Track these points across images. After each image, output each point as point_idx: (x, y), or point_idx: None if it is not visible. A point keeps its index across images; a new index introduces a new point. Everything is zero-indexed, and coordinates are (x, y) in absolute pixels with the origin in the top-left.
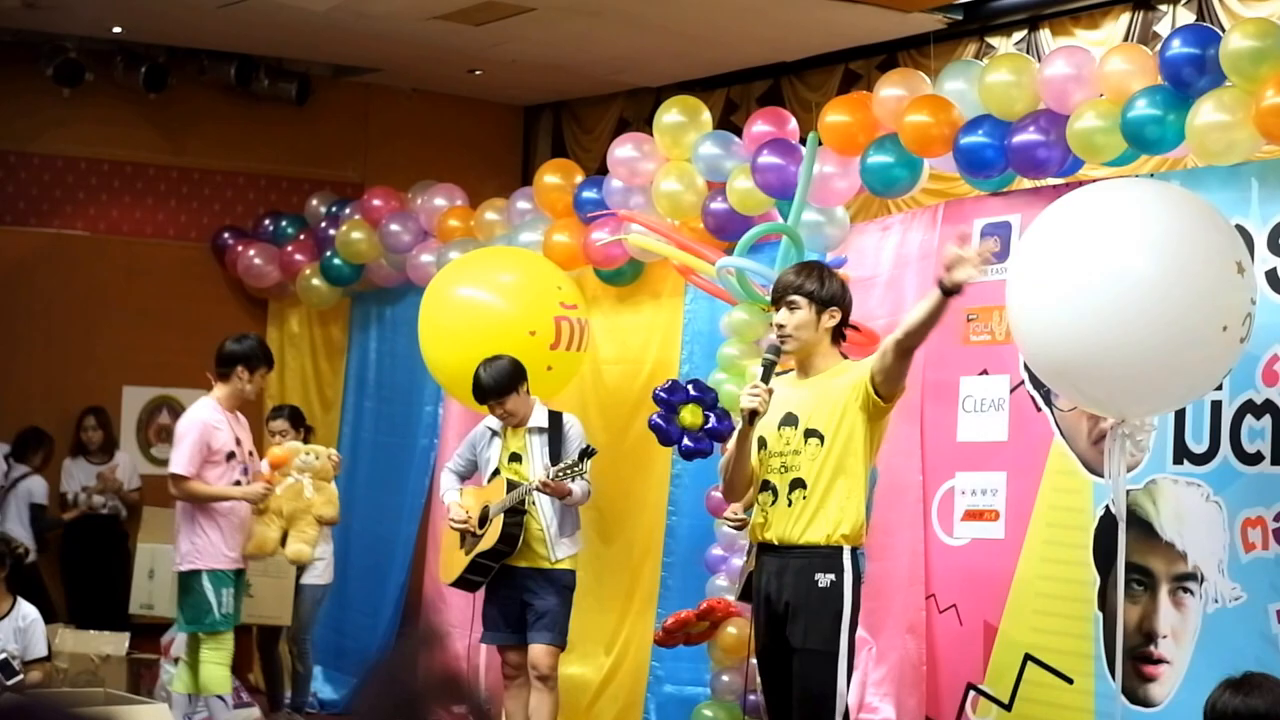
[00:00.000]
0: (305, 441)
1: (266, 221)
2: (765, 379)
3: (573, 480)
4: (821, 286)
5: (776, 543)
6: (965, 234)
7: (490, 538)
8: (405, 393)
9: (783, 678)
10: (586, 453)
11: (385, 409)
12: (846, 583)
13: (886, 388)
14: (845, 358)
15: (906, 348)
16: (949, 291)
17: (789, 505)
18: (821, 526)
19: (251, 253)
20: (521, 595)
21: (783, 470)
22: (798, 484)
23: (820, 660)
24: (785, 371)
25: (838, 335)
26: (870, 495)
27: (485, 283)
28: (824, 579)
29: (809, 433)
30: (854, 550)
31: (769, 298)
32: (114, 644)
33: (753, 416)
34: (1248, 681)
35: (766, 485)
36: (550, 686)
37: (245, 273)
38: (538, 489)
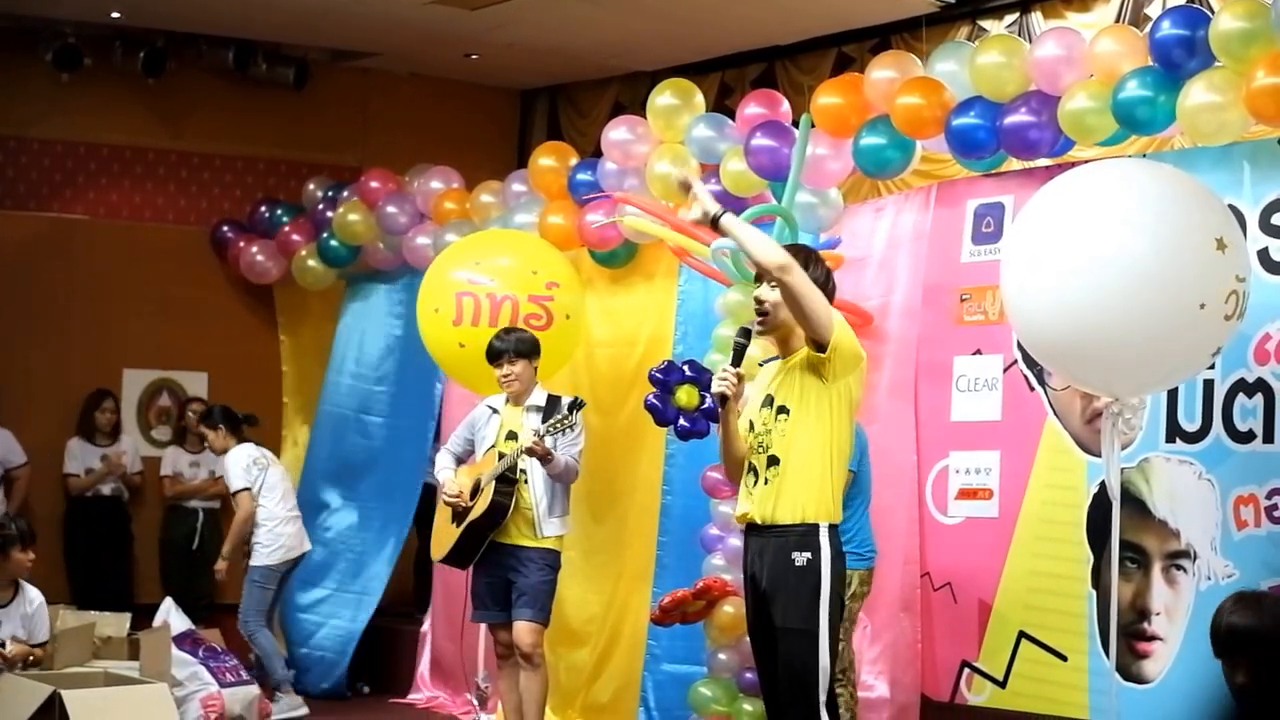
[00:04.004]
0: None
1: (263, 209)
2: (735, 363)
3: (563, 433)
4: (806, 268)
5: (759, 522)
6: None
7: (480, 506)
8: (403, 374)
9: (770, 655)
10: (575, 404)
11: (381, 390)
12: (824, 560)
13: (811, 332)
14: None
15: (766, 272)
16: (714, 222)
17: (766, 484)
18: (795, 500)
19: (254, 249)
20: (506, 574)
21: (760, 450)
22: (773, 461)
23: (800, 638)
24: (774, 358)
25: None
26: (864, 463)
27: (466, 264)
28: (800, 557)
29: (780, 409)
30: (831, 527)
31: None
32: (115, 625)
33: (723, 400)
34: (1256, 599)
35: (750, 467)
36: (535, 664)
37: (248, 270)
38: (526, 449)
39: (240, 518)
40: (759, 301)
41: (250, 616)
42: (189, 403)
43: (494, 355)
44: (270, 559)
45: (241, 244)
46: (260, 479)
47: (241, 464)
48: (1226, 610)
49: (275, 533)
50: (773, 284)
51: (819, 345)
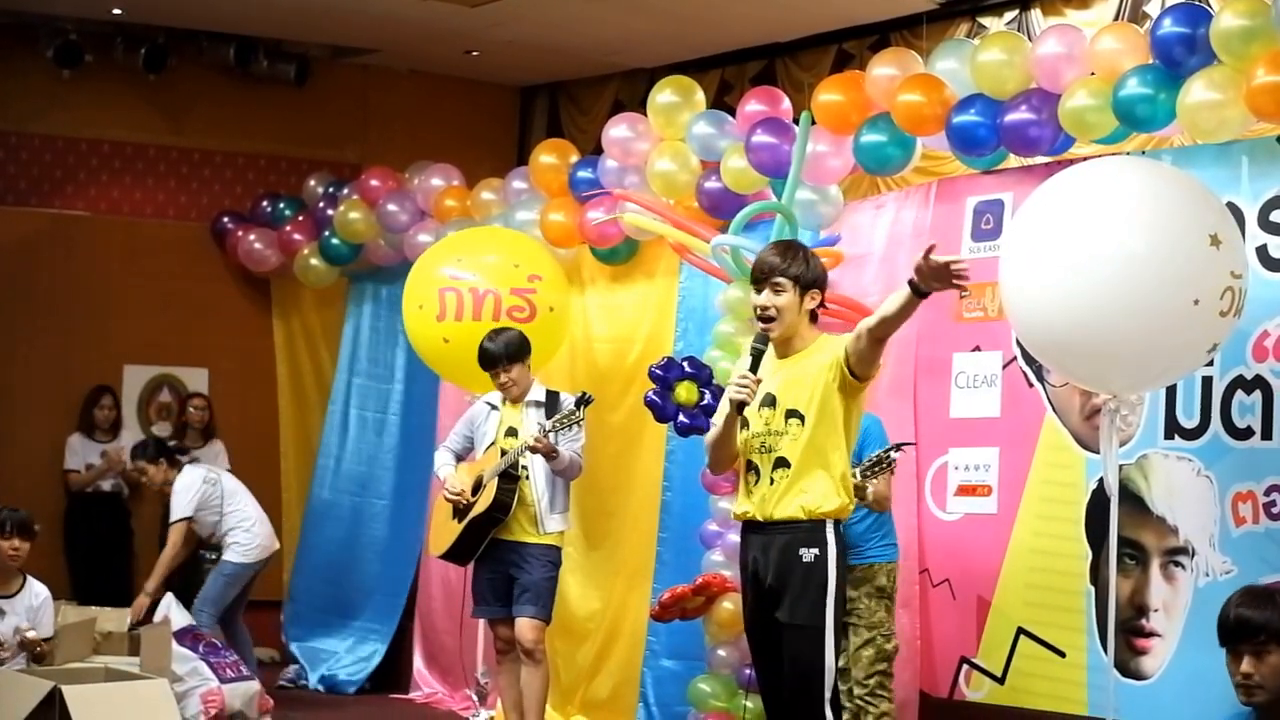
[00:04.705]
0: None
1: (265, 203)
2: (754, 369)
3: (569, 429)
4: (807, 269)
5: (761, 519)
6: (934, 246)
7: (483, 502)
8: (404, 370)
9: (771, 652)
10: (584, 400)
11: (382, 387)
12: (830, 557)
13: (861, 369)
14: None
15: (878, 337)
16: (922, 294)
17: (771, 484)
18: (804, 502)
19: (252, 237)
20: (508, 570)
21: (765, 450)
22: (781, 463)
23: (808, 635)
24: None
25: (814, 314)
26: (882, 443)
27: (448, 260)
28: (808, 554)
29: (789, 413)
30: (837, 524)
31: None
32: (115, 621)
33: (741, 407)
34: (1268, 594)
35: (750, 465)
36: (537, 660)
37: (246, 258)
38: (530, 447)
39: (169, 553)
40: (763, 308)
41: (206, 608)
42: (189, 398)
43: (490, 362)
44: (247, 556)
45: (240, 233)
46: (218, 491)
47: (192, 489)
48: (1235, 603)
49: (253, 532)
50: (778, 289)
51: (860, 377)
